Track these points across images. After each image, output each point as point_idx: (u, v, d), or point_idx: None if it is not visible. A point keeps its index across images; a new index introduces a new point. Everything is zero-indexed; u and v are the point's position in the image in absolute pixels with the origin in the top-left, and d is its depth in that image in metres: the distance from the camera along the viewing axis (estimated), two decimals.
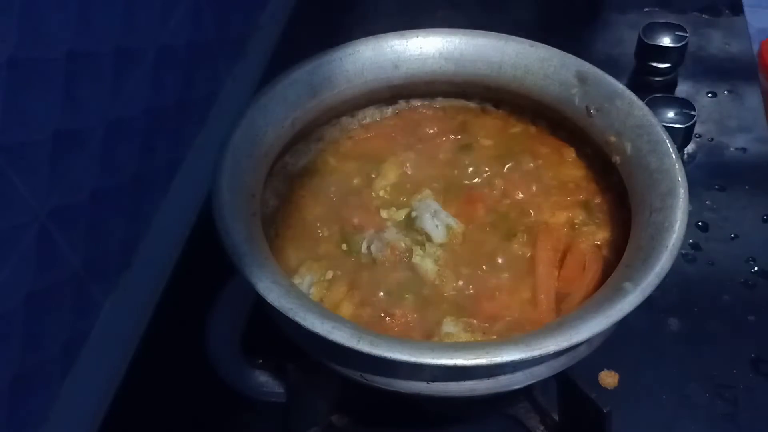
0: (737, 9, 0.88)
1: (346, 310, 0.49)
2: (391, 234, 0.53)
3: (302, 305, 0.43)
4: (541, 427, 0.54)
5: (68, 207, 0.50)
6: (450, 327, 0.48)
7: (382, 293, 0.50)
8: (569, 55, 0.57)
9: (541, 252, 0.52)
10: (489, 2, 0.66)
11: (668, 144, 0.50)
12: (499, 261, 0.52)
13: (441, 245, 0.53)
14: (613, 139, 0.53)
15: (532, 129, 0.60)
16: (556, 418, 0.53)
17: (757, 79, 0.81)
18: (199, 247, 0.65)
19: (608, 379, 0.55)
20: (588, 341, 0.43)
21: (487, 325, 0.49)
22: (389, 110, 0.62)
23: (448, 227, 0.53)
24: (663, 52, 0.79)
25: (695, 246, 0.65)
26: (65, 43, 0.47)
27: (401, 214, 0.55)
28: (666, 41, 0.79)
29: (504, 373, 0.44)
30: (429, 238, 0.53)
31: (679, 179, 0.48)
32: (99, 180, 0.53)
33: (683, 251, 0.65)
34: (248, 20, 0.80)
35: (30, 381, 0.48)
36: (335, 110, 0.60)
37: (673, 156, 0.50)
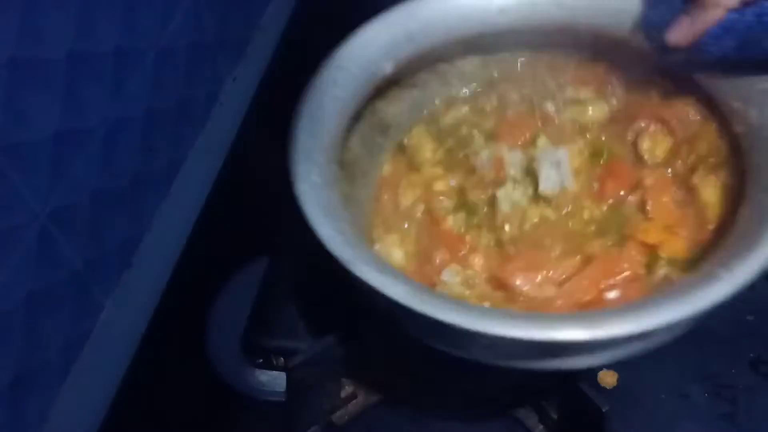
0: None
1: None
2: (509, 156, 0.50)
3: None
4: (541, 427, 0.54)
5: (68, 207, 0.50)
6: (448, 276, 0.46)
7: (448, 200, 0.50)
8: None
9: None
10: None
11: None
12: (570, 259, 0.46)
13: (542, 199, 0.48)
14: (738, 105, 0.45)
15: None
16: (556, 417, 0.53)
17: None
18: (200, 247, 0.65)
19: (608, 378, 0.55)
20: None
21: (498, 293, 0.45)
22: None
23: (562, 185, 0.48)
24: None
25: None
26: (65, 43, 0.47)
27: (531, 152, 0.51)
28: None
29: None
30: (535, 185, 0.48)
31: None
32: (99, 180, 0.53)
33: None
34: (249, 21, 0.81)
35: (30, 381, 0.48)
36: (433, 56, 0.56)
37: None
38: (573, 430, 0.52)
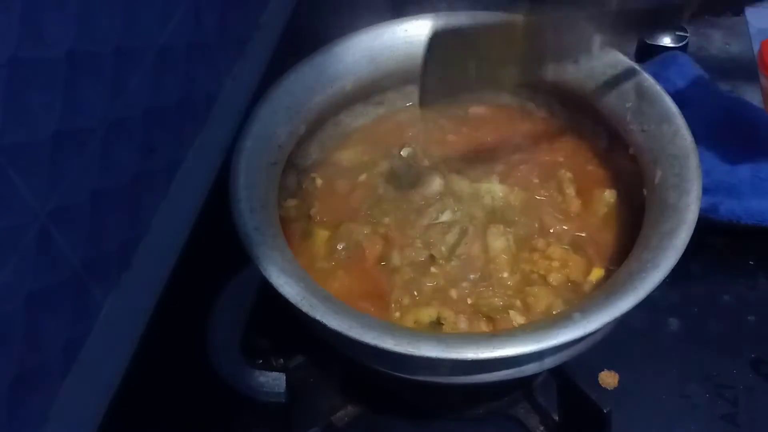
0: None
1: None
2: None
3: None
4: (541, 427, 0.54)
5: (68, 207, 0.50)
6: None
7: None
8: (634, 65, 0.54)
9: None
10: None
11: (696, 185, 0.46)
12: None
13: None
14: (648, 164, 0.49)
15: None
16: (556, 418, 0.53)
17: (757, 80, 0.81)
18: (199, 247, 0.65)
19: (608, 379, 0.55)
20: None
21: None
22: None
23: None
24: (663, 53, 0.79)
25: None
26: (65, 43, 0.47)
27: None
28: (666, 41, 0.79)
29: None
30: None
31: (686, 229, 0.44)
32: (99, 180, 0.53)
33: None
34: (248, 21, 0.81)
35: (30, 381, 0.48)
36: (397, 78, 0.59)
37: (693, 197, 0.45)
38: (574, 430, 0.52)
